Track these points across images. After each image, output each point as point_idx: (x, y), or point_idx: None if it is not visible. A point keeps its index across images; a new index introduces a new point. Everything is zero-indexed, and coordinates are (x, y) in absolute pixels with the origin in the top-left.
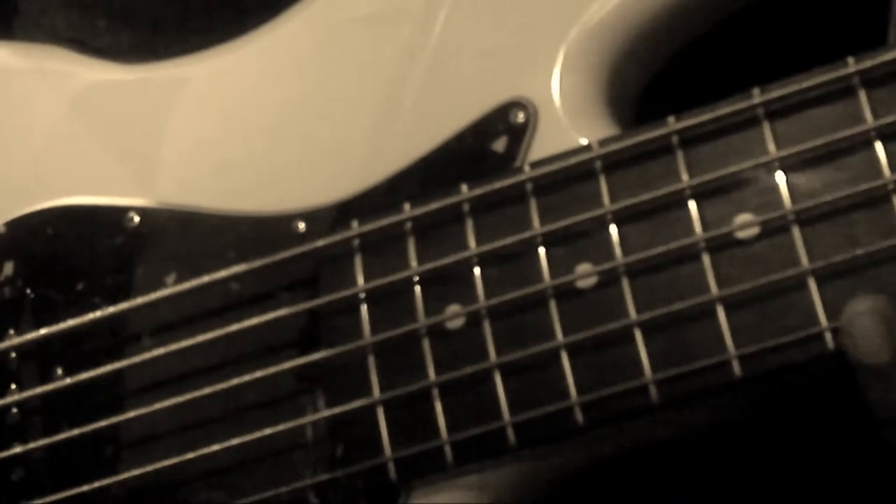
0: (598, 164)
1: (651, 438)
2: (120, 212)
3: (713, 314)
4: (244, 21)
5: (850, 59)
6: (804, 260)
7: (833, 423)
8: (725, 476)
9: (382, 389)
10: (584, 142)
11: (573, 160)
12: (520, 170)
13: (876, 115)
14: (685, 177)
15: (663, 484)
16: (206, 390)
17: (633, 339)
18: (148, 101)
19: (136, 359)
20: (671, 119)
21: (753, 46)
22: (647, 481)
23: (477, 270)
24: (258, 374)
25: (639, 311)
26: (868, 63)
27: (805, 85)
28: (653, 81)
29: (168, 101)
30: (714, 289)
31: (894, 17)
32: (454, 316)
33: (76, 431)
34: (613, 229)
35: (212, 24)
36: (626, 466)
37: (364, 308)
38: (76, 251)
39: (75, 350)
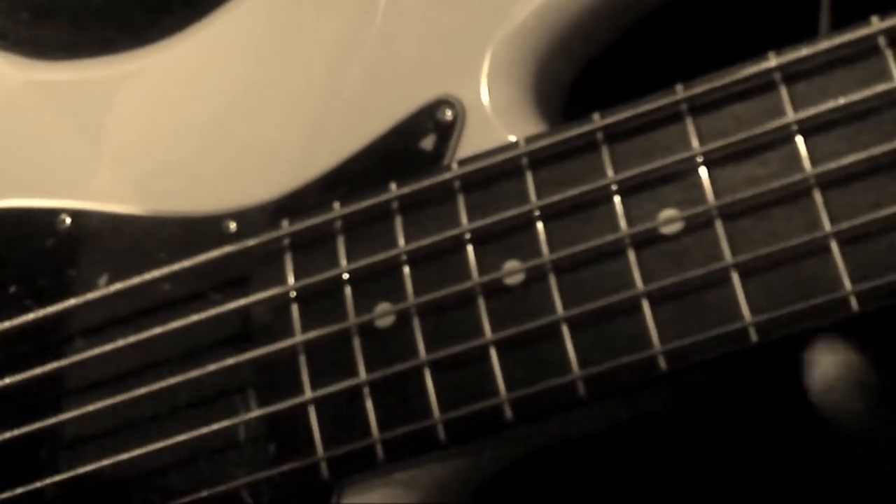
0: (525, 160)
1: (580, 433)
2: (52, 214)
3: (639, 309)
4: (182, 18)
5: (771, 55)
6: (727, 254)
7: (757, 416)
8: (655, 468)
9: (314, 388)
10: (511, 139)
11: (500, 157)
12: (448, 167)
13: (796, 110)
14: (610, 173)
15: (593, 478)
16: (140, 391)
17: (560, 335)
18: (81, 100)
19: (70, 360)
20: (596, 116)
21: (679, 41)
22: (577, 476)
23: (406, 268)
24: (191, 374)
25: (566, 307)
26: (788, 58)
27: (727, 81)
28: (580, 76)
29: (102, 101)
30: (639, 284)
31: (824, 9)
32: (384, 314)
33: (10, 434)
34: (540, 225)
35: (147, 21)
36: (556, 462)
37: (294, 307)
38: (8, 253)
39: (9, 352)
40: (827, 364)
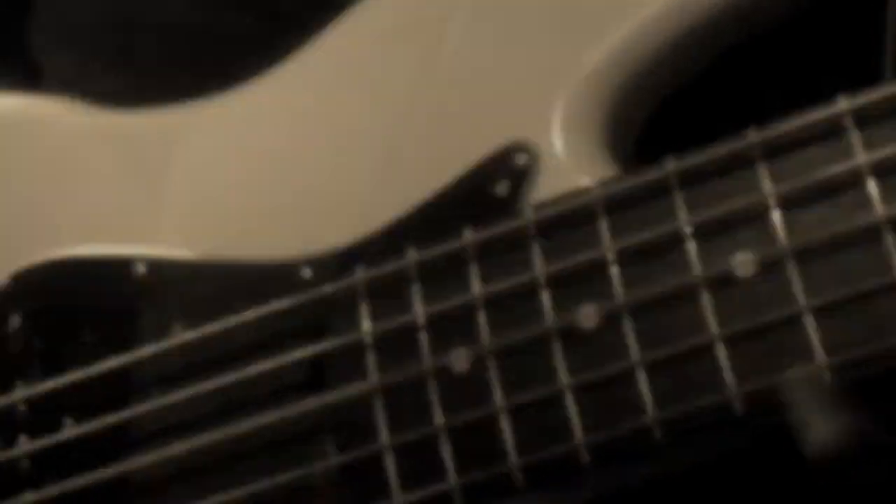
0: (599, 205)
1: (656, 476)
2: (126, 262)
3: (714, 352)
4: (247, 68)
5: (842, 98)
6: (801, 296)
7: None
8: None
9: (390, 434)
10: (584, 183)
11: (574, 202)
12: (522, 213)
13: (868, 153)
14: (684, 216)
15: None
16: (215, 436)
17: (636, 378)
18: (150, 148)
19: (145, 407)
20: (670, 160)
21: (746, 85)
22: None
23: (481, 313)
24: (266, 419)
25: (641, 350)
26: (859, 102)
27: (798, 124)
28: (650, 118)
29: (170, 148)
30: (714, 327)
31: (889, 55)
32: (460, 359)
33: (86, 480)
34: (615, 269)
35: (216, 70)
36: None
37: (370, 353)
38: (83, 302)
39: (84, 399)
40: None
